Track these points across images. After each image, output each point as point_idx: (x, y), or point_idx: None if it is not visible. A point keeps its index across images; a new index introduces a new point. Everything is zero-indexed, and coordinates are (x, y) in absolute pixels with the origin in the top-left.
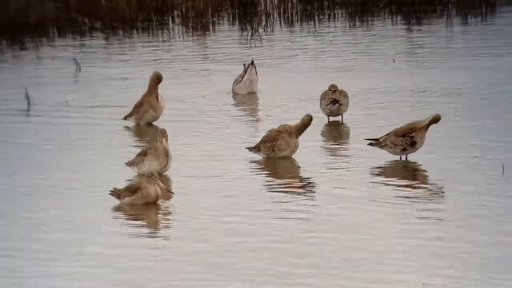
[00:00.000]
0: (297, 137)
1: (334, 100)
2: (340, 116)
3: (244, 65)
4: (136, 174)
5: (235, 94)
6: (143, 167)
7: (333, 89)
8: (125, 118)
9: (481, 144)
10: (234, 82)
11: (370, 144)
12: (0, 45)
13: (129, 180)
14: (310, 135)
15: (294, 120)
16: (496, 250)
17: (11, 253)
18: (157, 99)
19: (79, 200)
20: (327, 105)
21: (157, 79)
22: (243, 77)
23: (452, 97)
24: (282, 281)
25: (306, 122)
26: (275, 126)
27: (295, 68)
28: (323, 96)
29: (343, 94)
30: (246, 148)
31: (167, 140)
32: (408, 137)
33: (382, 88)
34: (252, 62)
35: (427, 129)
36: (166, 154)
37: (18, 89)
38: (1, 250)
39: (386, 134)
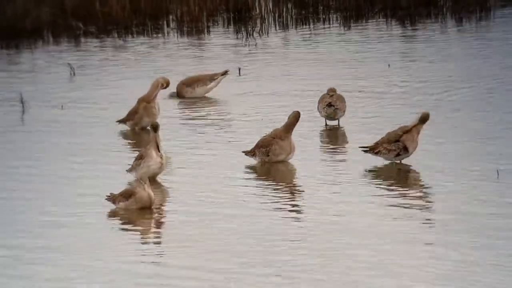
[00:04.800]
0: (288, 137)
1: (330, 104)
2: (337, 120)
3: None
4: (136, 178)
5: (183, 97)
6: (141, 170)
7: (331, 93)
8: (119, 122)
9: (476, 148)
10: (190, 85)
11: (365, 151)
12: None
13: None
14: (307, 139)
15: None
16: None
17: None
18: (154, 105)
19: (75, 205)
20: (324, 108)
21: (165, 83)
22: (209, 81)
23: (448, 101)
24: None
25: (292, 120)
26: (270, 130)
27: (290, 72)
28: (321, 99)
29: (340, 98)
30: (242, 151)
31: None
32: (400, 142)
33: (377, 92)
34: (227, 72)
35: (418, 130)
36: (160, 155)
37: (13, 93)
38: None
39: (378, 141)
